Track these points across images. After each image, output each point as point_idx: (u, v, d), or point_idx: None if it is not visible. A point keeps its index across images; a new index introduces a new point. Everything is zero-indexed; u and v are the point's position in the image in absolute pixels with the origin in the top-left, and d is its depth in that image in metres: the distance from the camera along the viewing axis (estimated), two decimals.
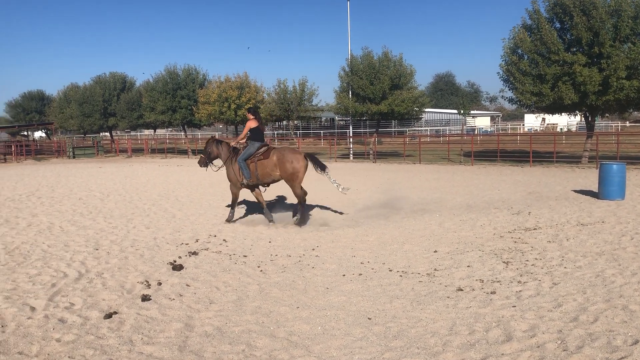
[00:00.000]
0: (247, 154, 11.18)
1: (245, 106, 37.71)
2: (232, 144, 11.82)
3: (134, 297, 6.46)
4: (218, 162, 12.04)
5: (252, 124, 11.29)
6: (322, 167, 11.05)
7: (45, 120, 60.48)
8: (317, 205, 13.30)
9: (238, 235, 10.15)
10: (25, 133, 65.21)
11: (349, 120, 38.71)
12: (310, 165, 11.11)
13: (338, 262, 8.02)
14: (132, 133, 76.39)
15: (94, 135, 53.44)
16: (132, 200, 15.28)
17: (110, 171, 26.68)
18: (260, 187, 11.68)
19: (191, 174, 23.91)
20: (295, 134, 55.92)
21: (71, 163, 35.14)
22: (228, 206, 12.83)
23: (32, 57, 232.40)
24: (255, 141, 11.32)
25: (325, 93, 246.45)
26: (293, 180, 10.91)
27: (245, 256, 8.49)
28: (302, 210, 11.20)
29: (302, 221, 11.10)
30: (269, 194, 13.48)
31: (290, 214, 11.95)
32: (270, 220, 11.37)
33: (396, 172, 23.55)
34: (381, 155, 33.41)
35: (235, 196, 11.66)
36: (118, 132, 73.66)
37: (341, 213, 12.47)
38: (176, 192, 16.98)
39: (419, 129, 61.54)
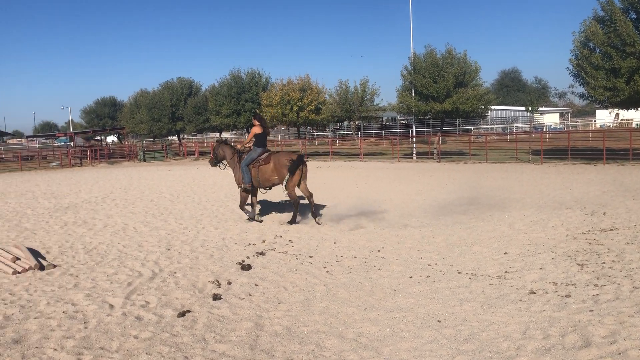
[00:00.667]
0: (249, 159, 11.76)
1: (307, 108, 38.06)
2: (238, 147, 12.52)
3: (206, 296, 6.65)
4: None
5: (257, 129, 11.76)
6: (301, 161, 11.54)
7: (117, 125, 63.16)
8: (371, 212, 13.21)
9: (303, 236, 10.24)
10: (99, 138, 68.39)
11: (411, 119, 38.28)
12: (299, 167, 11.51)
13: (404, 264, 7.95)
14: (199, 136, 78.62)
15: (163, 138, 55.37)
16: (201, 201, 15.71)
17: (179, 173, 27.56)
18: (261, 190, 12.38)
19: None
20: (357, 134, 55.85)
21: (142, 166, 36.54)
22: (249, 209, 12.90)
23: (105, 65, 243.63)
24: (259, 147, 11.82)
25: (387, 92, 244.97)
26: (288, 183, 11.43)
27: (311, 257, 8.56)
28: (295, 211, 11.59)
29: (292, 220, 11.54)
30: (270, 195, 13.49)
31: (309, 214, 12.06)
32: (252, 218, 11.94)
33: (462, 172, 23.07)
34: (445, 155, 32.85)
35: (243, 198, 12.15)
36: (185, 136, 75.94)
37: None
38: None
39: (485, 127, 60.06)
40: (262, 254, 8.84)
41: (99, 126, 68.71)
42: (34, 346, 5.18)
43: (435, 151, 31.21)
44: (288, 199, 11.92)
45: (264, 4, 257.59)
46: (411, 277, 7.27)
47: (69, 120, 75.66)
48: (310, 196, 11.77)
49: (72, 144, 53.13)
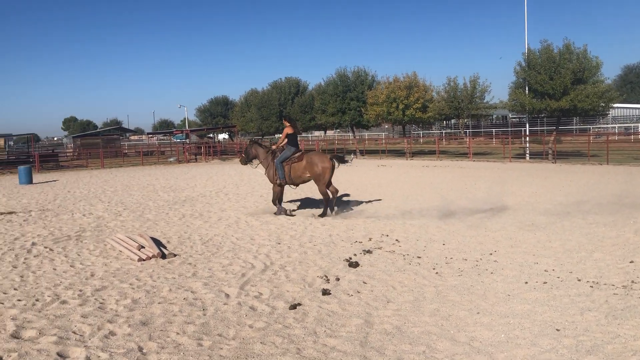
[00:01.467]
0: (283, 157, 12.71)
1: (414, 106, 37.55)
2: (273, 147, 13.30)
3: (315, 291, 6.78)
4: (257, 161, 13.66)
5: (288, 130, 12.80)
6: (343, 161, 12.89)
7: (229, 124, 66.02)
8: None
9: (410, 236, 10.13)
10: (211, 135, 71.91)
11: (524, 117, 36.56)
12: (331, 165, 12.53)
13: (519, 269, 7.61)
14: (304, 134, 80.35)
15: (271, 136, 57.14)
16: (307, 197, 16.02)
17: None
18: (291, 186, 13.27)
19: (360, 174, 24.43)
20: (465, 132, 54.26)
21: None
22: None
23: (219, 66, 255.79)
24: (291, 146, 12.76)
25: (498, 89, 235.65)
26: (319, 180, 12.45)
27: (419, 257, 8.45)
28: (325, 205, 12.59)
29: (323, 214, 12.51)
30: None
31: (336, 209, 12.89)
32: (281, 213, 12.85)
33: (580, 174, 21.69)
34: (561, 155, 31.04)
35: (276, 193, 13.06)
36: None
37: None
38: (347, 190, 17.45)
39: (605, 126, 56.04)
40: (369, 252, 8.86)
41: (212, 124, 72.10)
42: (159, 329, 5.55)
43: (550, 151, 29.61)
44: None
45: (369, 3, 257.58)
46: (526, 282, 6.94)
47: (184, 118, 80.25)
48: (335, 192, 12.89)
49: (187, 140, 56.34)
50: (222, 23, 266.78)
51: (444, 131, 66.12)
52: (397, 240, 9.77)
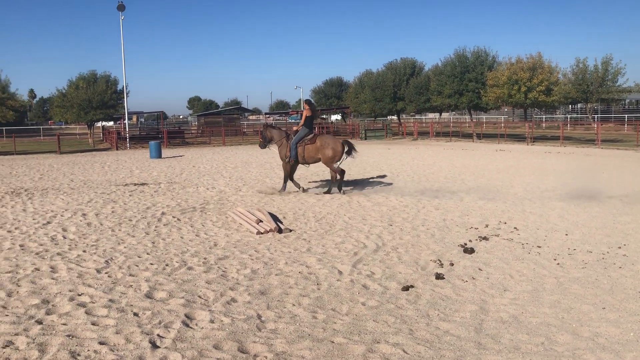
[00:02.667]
0: (298, 138, 13.55)
1: (537, 88, 35.52)
2: (295, 128, 14.10)
3: (428, 274, 6.72)
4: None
5: (307, 113, 13.71)
6: (350, 152, 13.52)
7: (342, 105, 66.51)
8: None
9: (530, 224, 9.68)
10: (324, 116, 72.86)
11: None
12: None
13: None
14: (417, 116, 79.00)
15: (384, 118, 56.84)
16: (420, 181, 15.84)
17: (398, 152, 28.08)
18: (305, 166, 14.27)
19: (477, 159, 23.64)
20: (593, 118, 50.53)
21: (363, 144, 38.04)
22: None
23: (334, 47, 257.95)
24: (306, 128, 13.60)
25: (633, 71, 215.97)
26: (329, 162, 13.40)
27: (539, 247, 8.07)
28: (340, 182, 13.50)
29: (329, 190, 13.44)
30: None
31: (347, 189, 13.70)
32: (303, 189, 13.81)
33: None
34: None
35: (287, 172, 13.94)
36: (404, 116, 76.96)
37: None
38: (462, 176, 17.00)
39: None
40: (485, 238, 8.60)
41: (326, 105, 73.09)
42: (276, 299, 5.81)
43: None
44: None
45: None
46: None
47: (299, 99, 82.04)
48: (342, 173, 13.65)
49: (300, 121, 57.65)
50: (338, 4, 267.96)
51: (569, 116, 62.00)
52: (515, 228, 9.39)
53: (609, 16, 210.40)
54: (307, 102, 14.16)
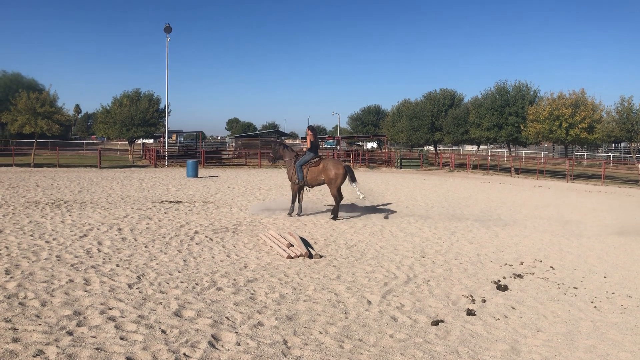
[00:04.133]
0: (303, 161, 13.99)
1: (579, 125, 34.83)
2: (304, 150, 14.46)
3: (459, 310, 6.58)
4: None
5: (311, 138, 14.18)
6: (353, 180, 13.71)
7: (379, 133, 66.55)
8: None
9: (567, 264, 9.42)
10: (360, 143, 72.95)
11: None
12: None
13: None
14: (455, 148, 78.37)
15: (420, 148, 56.53)
16: (455, 214, 15.62)
17: (433, 183, 27.82)
18: (306, 188, 14.39)
19: (514, 194, 23.22)
20: (637, 157, 49.14)
21: (398, 173, 37.86)
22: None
23: (373, 75, 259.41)
24: (311, 152, 14.05)
25: None
26: (331, 184, 13.65)
27: (575, 288, 7.82)
28: (336, 208, 13.71)
29: (335, 215, 13.67)
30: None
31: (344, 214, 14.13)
32: (298, 214, 14.14)
33: None
34: None
35: (294, 192, 14.28)
36: (441, 146, 76.47)
37: None
38: (499, 210, 16.70)
39: None
40: (519, 276, 8.39)
41: (362, 132, 73.24)
42: (303, 326, 5.77)
43: None
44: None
45: (533, 11, 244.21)
46: None
47: (336, 125, 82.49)
48: (339, 200, 13.82)
49: (337, 147, 57.82)
50: (379, 34, 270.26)
51: (611, 154, 60.51)
52: (551, 267, 9.14)
53: None
54: (310, 128, 14.46)
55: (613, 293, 7.63)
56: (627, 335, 5.89)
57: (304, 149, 14.36)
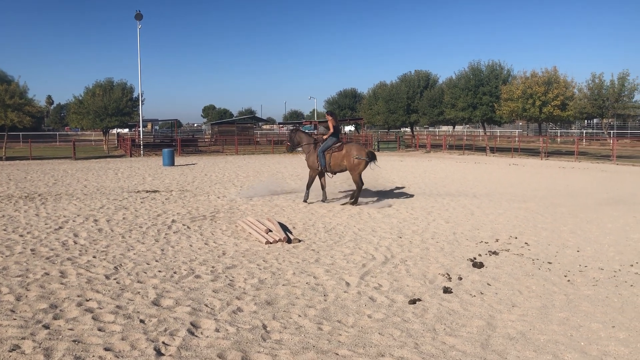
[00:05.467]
0: (325, 147, 13.69)
1: (552, 103, 35.28)
2: (325, 137, 13.91)
3: (436, 288, 6.68)
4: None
5: (332, 123, 13.76)
6: (374, 158, 13.58)
7: (356, 116, 66.58)
8: None
9: (541, 240, 9.59)
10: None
11: None
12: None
13: None
14: (431, 129, 78.80)
15: (397, 130, 56.77)
16: (432, 194, 15.77)
17: (411, 165, 28.01)
18: (328, 174, 14.10)
19: (489, 172, 23.52)
20: (609, 133, 50.04)
21: (377, 155, 37.96)
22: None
23: (349, 59, 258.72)
24: (334, 137, 13.72)
25: None
26: (354, 170, 13.35)
27: (550, 263, 7.99)
28: (357, 194, 13.49)
29: (355, 201, 13.40)
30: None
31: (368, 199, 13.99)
32: (323, 200, 13.94)
33: None
34: None
35: (311, 179, 14.04)
36: (418, 128, 76.87)
37: None
38: (474, 189, 16.91)
39: None
40: (495, 253, 8.53)
41: (339, 116, 73.13)
42: (282, 310, 5.80)
43: None
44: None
45: None
46: None
47: (313, 110, 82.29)
48: (361, 186, 13.60)
49: (315, 131, 57.74)
50: (353, 17, 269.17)
51: (584, 131, 61.51)
52: (526, 243, 9.30)
53: (627, 32, 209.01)
54: (331, 113, 14.14)
55: (586, 266, 7.81)
56: (598, 307, 6.04)
57: (325, 136, 13.96)
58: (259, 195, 14.93)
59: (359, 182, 13.47)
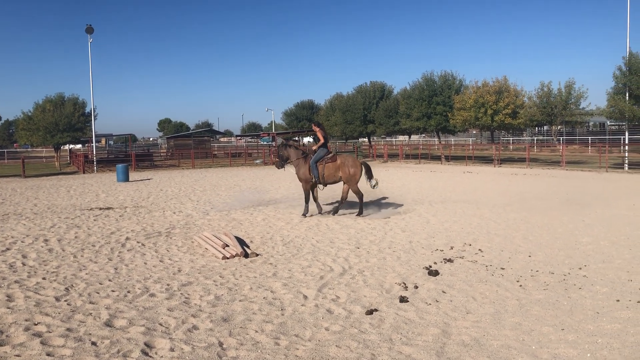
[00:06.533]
0: (317, 157, 13.45)
1: (503, 111, 36.30)
2: (314, 148, 13.72)
3: (392, 297, 6.74)
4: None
5: (321, 134, 13.63)
6: (370, 177, 13.61)
7: None
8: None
9: (494, 246, 9.82)
10: (297, 138, 73.02)
11: (623, 125, 34.38)
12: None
13: (610, 285, 7.17)
14: (388, 139, 79.78)
15: (354, 140, 57.23)
16: (388, 203, 15.92)
17: None
18: (319, 185, 13.85)
19: (444, 180, 23.95)
20: (558, 140, 51.74)
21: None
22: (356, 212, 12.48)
23: (305, 71, 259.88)
24: (324, 148, 13.57)
25: (595, 95, 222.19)
26: (351, 181, 13.29)
27: (502, 269, 8.17)
28: (361, 204, 13.55)
29: (360, 212, 13.48)
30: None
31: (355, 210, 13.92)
32: (320, 212, 13.82)
33: None
34: None
35: (307, 192, 13.75)
36: (375, 138, 77.70)
37: None
38: (430, 197, 17.19)
39: None
40: (450, 260, 8.68)
41: (297, 127, 73.27)
42: (239, 326, 5.74)
43: None
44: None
45: (456, 5, 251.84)
46: (618, 300, 6.54)
47: (271, 122, 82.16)
48: (346, 198, 13.77)
49: (273, 143, 57.63)
50: (310, 28, 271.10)
51: (535, 138, 63.43)
52: (480, 250, 9.50)
53: (571, 42, 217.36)
54: (317, 124, 13.97)
55: (537, 271, 8.03)
56: (549, 310, 6.21)
57: (315, 147, 13.74)
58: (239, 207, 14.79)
59: (359, 192, 13.48)
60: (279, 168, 14.36)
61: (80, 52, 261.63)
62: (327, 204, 15.13)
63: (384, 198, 17.21)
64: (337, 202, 14.42)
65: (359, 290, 7.06)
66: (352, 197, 14.36)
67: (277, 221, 12.88)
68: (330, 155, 13.52)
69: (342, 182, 13.65)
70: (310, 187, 13.77)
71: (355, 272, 8.04)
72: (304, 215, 13.54)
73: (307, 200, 13.74)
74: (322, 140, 13.60)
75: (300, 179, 13.85)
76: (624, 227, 11.47)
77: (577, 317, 5.98)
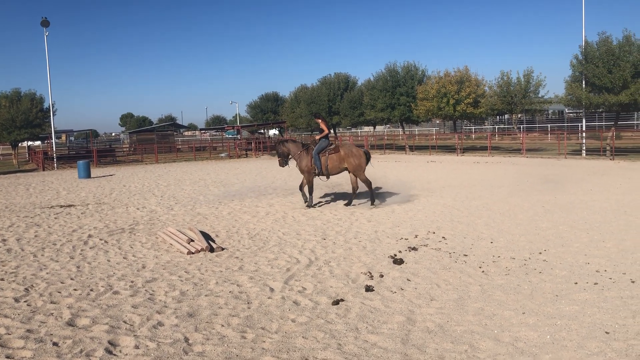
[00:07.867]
0: (320, 148, 13.34)
1: (465, 101, 36.85)
2: (317, 138, 13.64)
3: (358, 287, 6.80)
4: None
5: (324, 125, 13.60)
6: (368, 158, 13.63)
7: (279, 119, 66.64)
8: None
9: (457, 233, 9.99)
10: (262, 131, 72.71)
11: (581, 112, 35.33)
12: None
13: (569, 269, 7.39)
14: (353, 130, 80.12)
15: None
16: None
17: None
18: (322, 177, 13.76)
19: (409, 170, 24.22)
20: (519, 128, 52.85)
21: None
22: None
23: (269, 62, 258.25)
24: (326, 139, 13.51)
25: (554, 84, 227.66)
26: (358, 170, 13.31)
27: (465, 255, 8.33)
28: (371, 192, 13.54)
29: (372, 200, 13.48)
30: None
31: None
32: (307, 203, 13.64)
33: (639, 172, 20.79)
34: (620, 152, 29.76)
35: (310, 184, 13.58)
36: (340, 129, 77.92)
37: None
38: (395, 188, 17.34)
39: None
40: (414, 249, 8.80)
41: (262, 120, 72.95)
42: (205, 321, 5.71)
43: (608, 148, 28.49)
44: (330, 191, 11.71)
45: None
46: (576, 283, 6.75)
47: (236, 114, 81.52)
48: (357, 188, 13.83)
49: (238, 136, 57.24)
50: (272, 20, 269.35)
51: (496, 127, 64.63)
52: (443, 237, 9.66)
53: (529, 32, 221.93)
54: (318, 115, 14.00)
55: (499, 257, 8.21)
56: (510, 295, 6.37)
57: (317, 137, 13.58)
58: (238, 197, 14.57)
59: (367, 180, 13.44)
60: (282, 166, 14.15)
61: (36, 46, 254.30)
62: (321, 197, 15.11)
63: (349, 189, 17.27)
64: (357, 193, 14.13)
65: (325, 281, 7.10)
66: (347, 188, 14.37)
67: (243, 214, 12.82)
68: (332, 146, 13.47)
69: (344, 173, 13.79)
70: (312, 178, 13.61)
71: (322, 263, 8.08)
72: (308, 206, 13.46)
73: (310, 192, 13.65)
74: (326, 131, 13.52)
75: (302, 171, 13.62)
76: (582, 211, 11.82)
77: (538, 300, 6.14)
